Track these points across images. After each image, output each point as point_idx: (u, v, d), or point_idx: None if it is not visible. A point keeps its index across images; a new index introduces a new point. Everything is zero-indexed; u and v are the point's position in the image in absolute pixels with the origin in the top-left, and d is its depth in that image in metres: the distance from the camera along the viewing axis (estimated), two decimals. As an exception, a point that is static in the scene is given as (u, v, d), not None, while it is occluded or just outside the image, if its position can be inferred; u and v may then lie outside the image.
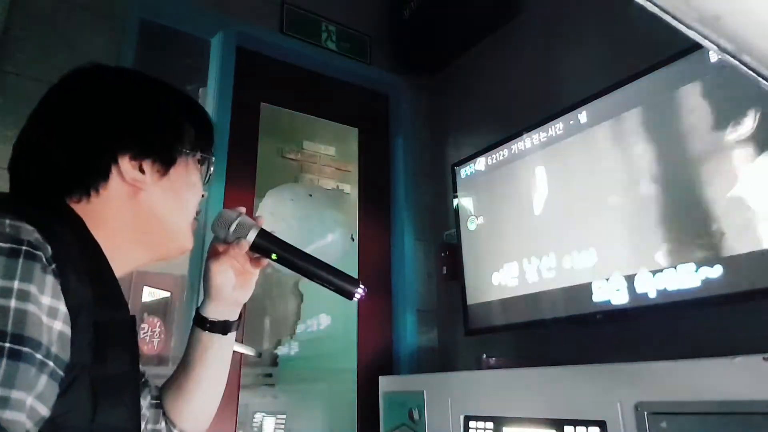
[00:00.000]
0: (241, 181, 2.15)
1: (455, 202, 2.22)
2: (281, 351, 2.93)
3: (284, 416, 2.71)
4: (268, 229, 0.82)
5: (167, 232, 0.74)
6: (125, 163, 0.69)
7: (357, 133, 2.65)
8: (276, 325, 2.95)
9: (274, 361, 2.91)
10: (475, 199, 2.15)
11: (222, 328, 0.83)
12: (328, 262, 0.81)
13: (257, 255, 0.81)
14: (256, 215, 0.81)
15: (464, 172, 2.21)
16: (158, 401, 0.83)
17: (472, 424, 1.57)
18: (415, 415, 1.77)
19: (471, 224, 2.13)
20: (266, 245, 0.80)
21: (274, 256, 0.80)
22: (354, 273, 2.45)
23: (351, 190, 2.70)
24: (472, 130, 2.42)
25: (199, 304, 0.86)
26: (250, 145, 2.26)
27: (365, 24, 2.66)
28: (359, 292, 0.80)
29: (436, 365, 2.35)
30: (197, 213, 0.78)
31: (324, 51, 2.48)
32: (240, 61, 2.25)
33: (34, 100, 0.72)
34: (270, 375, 2.87)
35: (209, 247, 0.83)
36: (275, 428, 2.70)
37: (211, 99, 2.13)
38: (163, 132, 0.73)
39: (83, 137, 0.68)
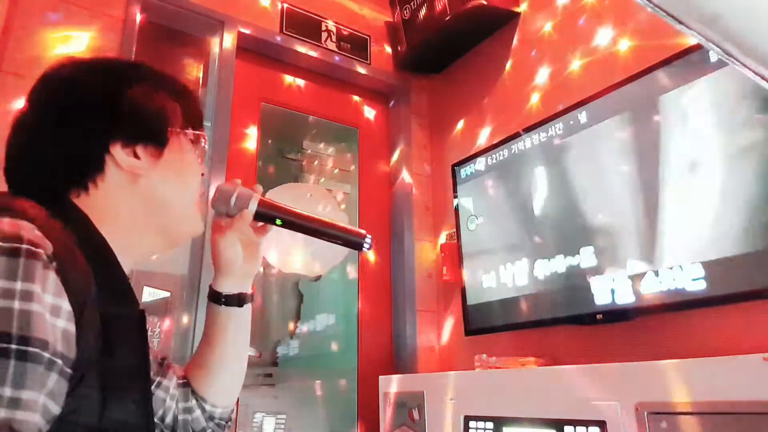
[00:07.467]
0: (241, 182, 2.15)
1: (455, 202, 2.22)
2: (281, 351, 2.92)
3: (284, 416, 2.71)
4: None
5: (174, 214, 0.74)
6: (118, 151, 0.68)
7: (357, 133, 2.65)
8: (276, 325, 2.94)
9: (274, 361, 2.90)
10: (475, 199, 2.14)
11: (237, 300, 0.85)
12: (330, 219, 0.82)
13: (261, 223, 0.83)
14: (254, 186, 0.82)
15: (464, 172, 2.21)
16: (185, 380, 0.85)
17: (472, 424, 1.57)
18: (415, 415, 1.76)
19: (471, 224, 2.13)
20: (269, 212, 0.81)
21: (278, 222, 0.81)
22: (354, 273, 2.45)
23: (351, 190, 2.70)
24: (472, 130, 2.42)
25: (211, 281, 0.87)
26: (250, 145, 2.26)
27: (365, 24, 2.66)
28: (367, 242, 0.81)
29: (436, 365, 2.35)
30: (201, 194, 0.79)
31: (324, 51, 2.48)
32: (240, 61, 2.26)
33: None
34: (270, 375, 2.87)
35: (212, 224, 0.84)
36: (275, 428, 2.70)
37: (211, 99, 2.13)
38: (150, 114, 0.72)
39: (70, 132, 0.68)
